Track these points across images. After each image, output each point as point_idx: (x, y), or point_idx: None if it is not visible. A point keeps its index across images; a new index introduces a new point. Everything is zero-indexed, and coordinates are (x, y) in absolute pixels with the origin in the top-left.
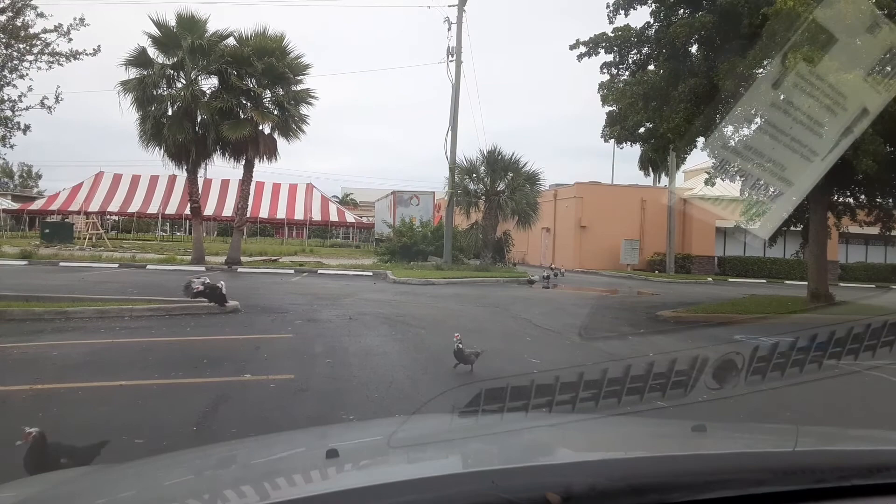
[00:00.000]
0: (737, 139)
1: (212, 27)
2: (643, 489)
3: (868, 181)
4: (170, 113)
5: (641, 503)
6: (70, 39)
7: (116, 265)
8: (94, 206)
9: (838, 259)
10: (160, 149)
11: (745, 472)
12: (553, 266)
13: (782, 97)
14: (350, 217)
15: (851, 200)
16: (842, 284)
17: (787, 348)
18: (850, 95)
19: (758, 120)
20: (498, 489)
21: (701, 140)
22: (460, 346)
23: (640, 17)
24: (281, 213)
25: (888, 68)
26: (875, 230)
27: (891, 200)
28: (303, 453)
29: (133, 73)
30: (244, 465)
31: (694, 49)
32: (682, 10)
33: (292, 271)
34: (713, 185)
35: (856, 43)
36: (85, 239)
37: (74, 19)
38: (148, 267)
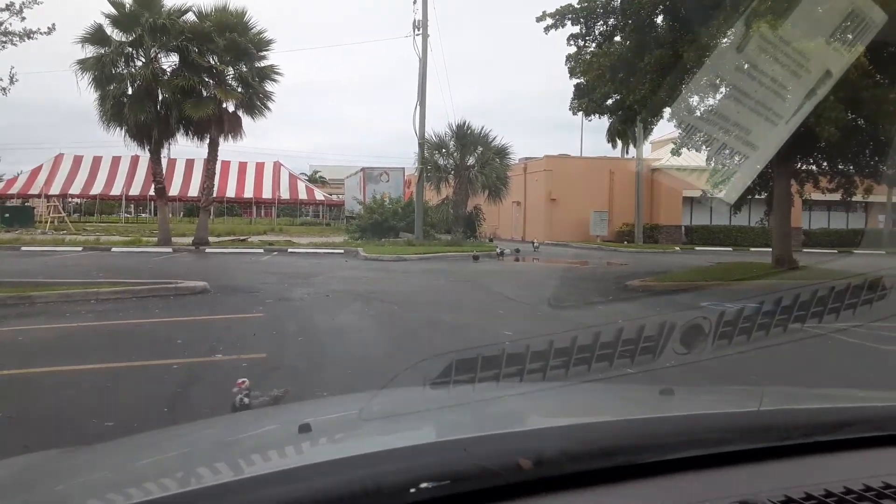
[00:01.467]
0: (702, 108)
1: (170, 2)
2: (612, 451)
3: (830, 148)
4: (130, 92)
5: (611, 465)
6: (23, 18)
7: (80, 248)
8: (55, 189)
9: (801, 226)
10: (121, 129)
11: (711, 431)
12: (535, 241)
13: (746, 63)
14: (319, 195)
15: (814, 168)
16: (805, 250)
17: (753, 313)
18: (812, 58)
19: (722, 87)
20: (471, 456)
21: (667, 110)
22: (245, 398)
23: None
24: (248, 193)
25: (848, 33)
26: (837, 197)
27: (852, 167)
28: (275, 429)
29: (90, 51)
30: (217, 443)
31: (659, 20)
32: None
33: (262, 251)
34: (679, 155)
35: (817, 9)
36: (47, 222)
37: None
38: (113, 249)
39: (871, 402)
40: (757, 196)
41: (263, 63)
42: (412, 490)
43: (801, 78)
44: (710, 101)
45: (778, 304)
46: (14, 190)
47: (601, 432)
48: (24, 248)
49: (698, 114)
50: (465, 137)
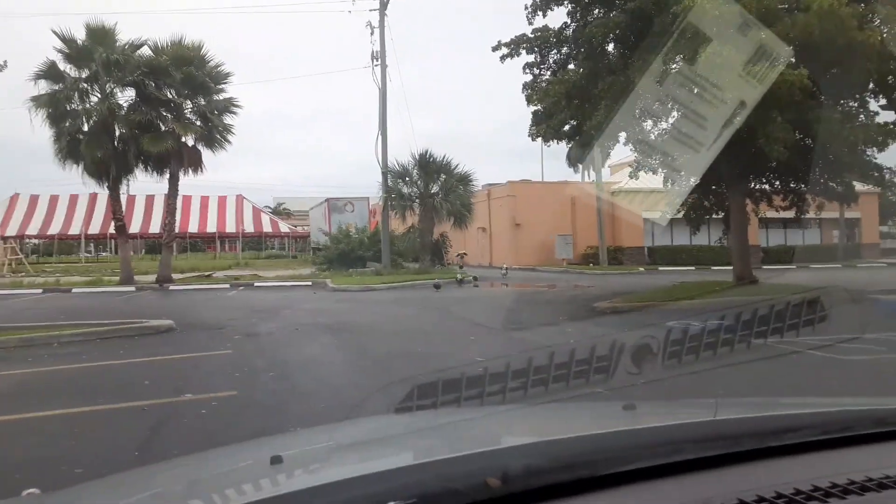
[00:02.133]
0: (655, 132)
1: (125, 38)
2: (573, 465)
3: (781, 168)
4: (86, 128)
5: (573, 478)
6: None
7: (40, 291)
8: (12, 231)
9: (759, 243)
10: (78, 166)
11: (667, 442)
12: (504, 266)
13: (668, 96)
14: (284, 227)
15: (767, 187)
16: (765, 267)
17: (720, 330)
18: (726, 89)
19: (671, 113)
20: (439, 478)
21: (623, 135)
22: None
23: (557, 17)
24: (211, 227)
25: (758, 66)
26: (791, 214)
27: (803, 185)
28: (247, 462)
29: (44, 87)
30: (190, 479)
31: (611, 47)
32: (596, 10)
33: (228, 286)
34: (637, 178)
35: (741, 38)
36: (3, 265)
37: None
38: (74, 290)
39: (817, 408)
40: (715, 216)
41: (222, 96)
42: None
43: (718, 108)
44: (664, 125)
45: (738, 320)
46: None
47: (562, 447)
48: None
49: (652, 137)
50: (429, 165)
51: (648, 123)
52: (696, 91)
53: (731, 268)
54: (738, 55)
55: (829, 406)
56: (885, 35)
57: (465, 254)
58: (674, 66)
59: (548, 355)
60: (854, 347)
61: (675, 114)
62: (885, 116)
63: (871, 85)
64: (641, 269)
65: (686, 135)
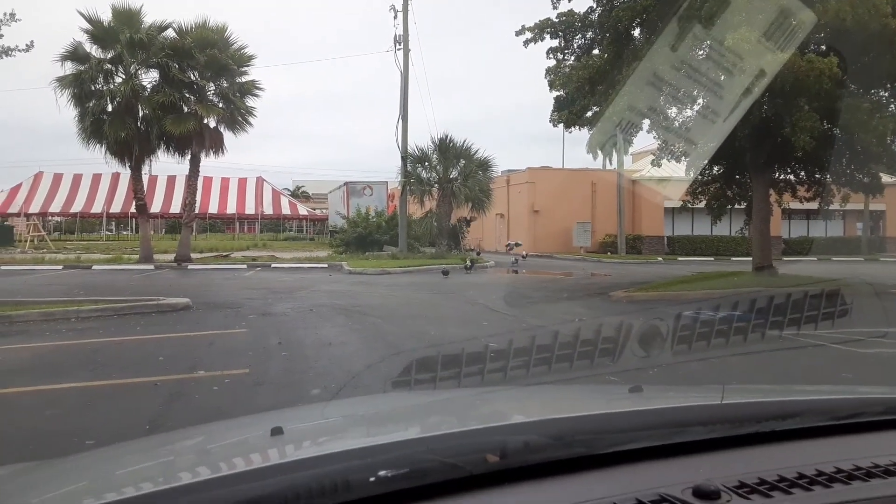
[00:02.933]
0: (680, 119)
1: (150, 19)
2: (572, 442)
3: (806, 158)
4: (110, 109)
5: (570, 455)
6: (0, 36)
7: (61, 267)
8: (35, 208)
9: (781, 234)
10: (101, 146)
11: (670, 424)
12: (523, 253)
13: (685, 64)
14: (303, 210)
15: (792, 177)
16: (785, 259)
17: (735, 320)
18: (746, 57)
19: (697, 96)
20: (438, 453)
21: (646, 122)
22: None
23: (583, 1)
24: (231, 208)
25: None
26: (815, 205)
27: (828, 176)
28: (248, 434)
29: (69, 68)
30: (193, 449)
31: (636, 32)
32: None
33: (245, 266)
34: (660, 166)
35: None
36: (26, 241)
37: (4, 14)
38: (94, 267)
39: (825, 394)
40: (737, 206)
41: (244, 78)
42: (371, 479)
43: (735, 77)
44: (688, 113)
45: (756, 310)
46: None
47: (562, 425)
48: (3, 268)
49: (676, 124)
50: (448, 151)
51: (672, 110)
52: (719, 71)
53: (751, 259)
54: (760, 21)
55: (838, 393)
56: None
57: (518, 243)
58: (702, 49)
59: (552, 335)
60: (873, 341)
61: (700, 99)
62: None
63: None
64: (660, 258)
65: (709, 109)
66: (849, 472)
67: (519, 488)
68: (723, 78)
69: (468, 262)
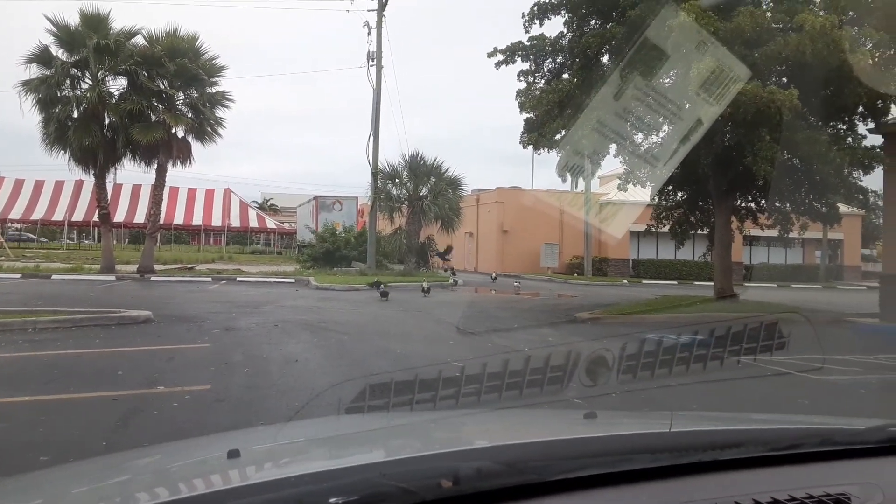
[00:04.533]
0: (642, 144)
1: (119, 24)
2: (524, 470)
3: (767, 186)
4: (75, 115)
5: (523, 482)
6: None
7: (19, 276)
8: None
9: (742, 260)
10: (65, 153)
11: (619, 452)
12: (493, 273)
13: (625, 110)
14: (271, 223)
15: (753, 205)
16: (746, 284)
17: (694, 344)
18: (684, 107)
19: (645, 128)
20: (392, 478)
21: (613, 146)
22: None
23: (554, 26)
24: (197, 220)
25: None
26: (775, 233)
27: (788, 205)
28: (205, 456)
29: (35, 71)
30: (148, 470)
31: (605, 59)
32: (593, 21)
33: (210, 279)
34: (626, 190)
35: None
36: None
37: None
38: (53, 277)
39: (767, 424)
40: (700, 231)
41: (215, 89)
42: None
43: (676, 125)
44: (653, 139)
45: (713, 335)
46: None
47: (515, 452)
48: None
49: (642, 149)
50: (419, 168)
51: (638, 135)
52: (673, 104)
53: (713, 283)
54: (698, 72)
55: (779, 423)
56: (876, 59)
57: (450, 247)
58: (666, 79)
59: (516, 359)
60: (829, 368)
61: (664, 127)
62: (873, 140)
63: (860, 108)
64: (625, 281)
65: (666, 147)
66: (783, 503)
67: None
68: (688, 106)
69: (452, 280)
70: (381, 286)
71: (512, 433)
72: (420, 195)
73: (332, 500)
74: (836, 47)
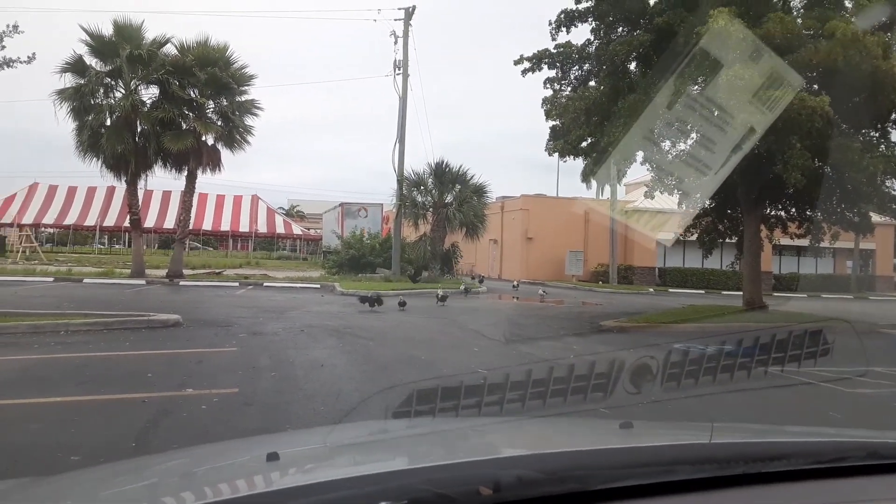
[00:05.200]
0: (669, 152)
1: (151, 34)
2: (566, 479)
3: (797, 195)
4: (108, 123)
5: (563, 491)
6: (3, 47)
7: (51, 279)
8: (29, 219)
9: (772, 270)
10: (98, 160)
11: (661, 462)
12: (515, 281)
13: (676, 120)
14: (297, 229)
15: (783, 213)
16: (775, 294)
17: (724, 355)
18: (735, 116)
19: (673, 136)
20: (431, 483)
21: (640, 154)
22: None
23: (581, 34)
24: (225, 226)
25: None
26: (805, 242)
27: (819, 213)
28: (243, 458)
29: (69, 80)
30: (185, 473)
31: (633, 66)
32: (620, 29)
33: (237, 284)
34: (652, 198)
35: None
36: (18, 252)
37: (7, 26)
38: (85, 281)
39: (812, 437)
40: (728, 240)
41: (244, 97)
42: None
43: (729, 132)
44: (681, 146)
45: (742, 345)
46: None
47: (555, 461)
48: None
49: (669, 158)
50: (444, 175)
51: (666, 144)
52: (713, 113)
53: (741, 293)
54: (753, 80)
55: (824, 436)
56: None
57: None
58: (694, 87)
59: (547, 369)
60: (861, 381)
61: (693, 135)
62: None
63: (893, 115)
64: (651, 289)
65: (697, 157)
66: None
67: None
68: (716, 113)
69: (463, 288)
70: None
71: (551, 442)
72: (445, 202)
73: None
74: (868, 53)
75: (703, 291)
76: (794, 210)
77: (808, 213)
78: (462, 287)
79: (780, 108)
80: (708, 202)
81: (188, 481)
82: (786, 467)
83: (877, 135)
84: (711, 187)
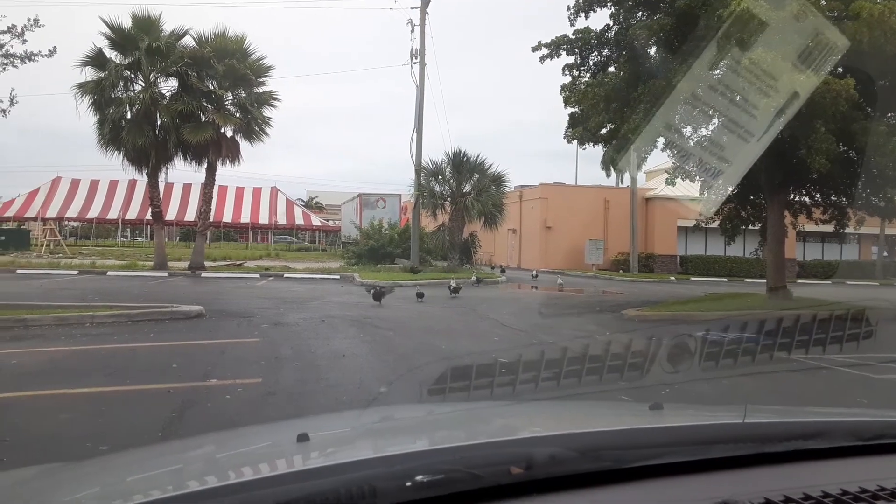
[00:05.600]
0: (695, 137)
1: (169, 27)
2: (600, 456)
3: (822, 180)
4: (129, 116)
5: (597, 468)
6: (24, 41)
7: (76, 272)
8: (52, 212)
9: (796, 257)
10: (119, 153)
11: (695, 441)
12: (534, 270)
13: (719, 84)
14: (316, 220)
15: (807, 199)
16: (800, 281)
17: (747, 342)
18: (780, 79)
19: (714, 116)
20: (463, 461)
21: (661, 140)
22: None
23: (600, 19)
24: (245, 217)
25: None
26: (830, 228)
27: (844, 199)
28: (273, 440)
29: (90, 74)
30: (213, 456)
31: (653, 51)
32: (640, 13)
33: (258, 275)
34: (674, 184)
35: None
36: (42, 245)
37: (29, 20)
38: (108, 273)
39: (848, 416)
40: (751, 227)
41: (262, 89)
42: (408, 484)
43: (771, 97)
44: (703, 131)
45: (769, 334)
46: (10, 213)
47: (589, 439)
48: (19, 271)
49: (691, 143)
50: (462, 165)
51: (688, 129)
52: (735, 97)
53: (764, 280)
54: (790, 47)
55: (860, 415)
56: None
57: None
58: (717, 71)
59: (583, 346)
60: (886, 367)
61: (716, 120)
62: None
63: None
64: (672, 277)
65: (720, 143)
66: (873, 493)
67: (546, 499)
68: (738, 98)
69: (452, 284)
70: (419, 289)
71: (584, 422)
72: (463, 192)
73: (417, 477)
74: (895, 35)
75: (725, 279)
76: (818, 195)
77: (832, 198)
78: (474, 277)
79: (807, 93)
80: (731, 188)
81: (217, 464)
82: (825, 444)
83: None
84: (735, 173)
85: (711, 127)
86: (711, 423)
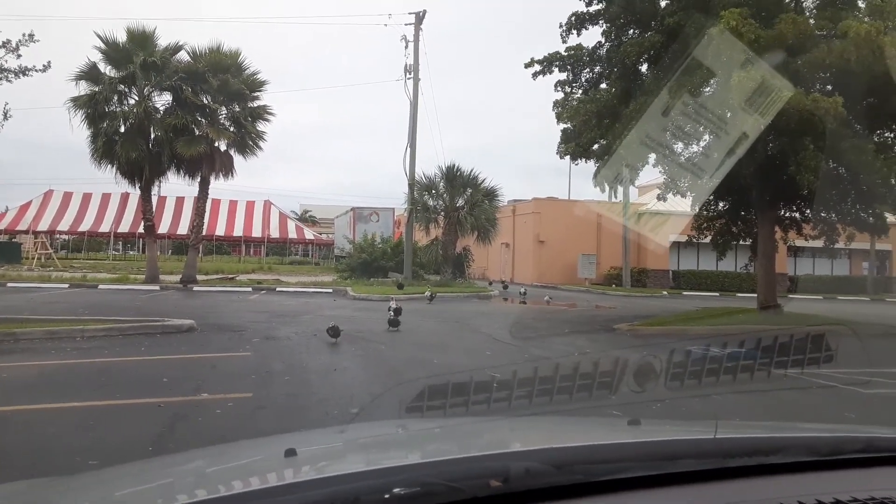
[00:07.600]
0: (682, 154)
1: (164, 41)
2: (573, 469)
3: (811, 196)
4: (122, 130)
5: (570, 481)
6: (19, 56)
7: (67, 285)
8: (44, 226)
9: (787, 271)
10: (112, 167)
11: (665, 455)
12: (523, 287)
13: (672, 125)
14: (309, 234)
15: (797, 215)
16: (790, 296)
17: (739, 358)
18: (729, 122)
19: (685, 138)
20: (443, 475)
21: (652, 156)
22: None
23: (592, 36)
24: (238, 231)
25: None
26: (821, 243)
27: (833, 215)
28: (262, 456)
29: (84, 88)
30: (203, 471)
31: (644, 68)
32: (631, 31)
33: (250, 289)
34: (665, 200)
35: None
36: (33, 259)
37: (23, 35)
38: (100, 287)
39: (811, 432)
40: (742, 242)
41: (256, 103)
42: (386, 496)
43: (721, 138)
44: (693, 148)
45: (764, 350)
46: (2, 225)
47: (563, 453)
48: (10, 285)
49: (682, 159)
50: (455, 179)
51: (678, 146)
52: (724, 114)
53: (755, 295)
54: (762, 80)
55: (823, 431)
56: None
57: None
58: (705, 88)
59: (553, 367)
60: (878, 381)
61: (705, 137)
62: None
63: None
64: (665, 292)
65: (708, 158)
66: None
67: None
68: (729, 115)
69: (429, 293)
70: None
71: (559, 437)
72: (456, 206)
73: (395, 490)
74: (882, 54)
75: (717, 294)
76: (808, 211)
77: (822, 214)
78: (428, 293)
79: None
80: (721, 204)
81: (206, 478)
82: (783, 459)
83: (891, 135)
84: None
85: (700, 143)
86: (680, 437)
